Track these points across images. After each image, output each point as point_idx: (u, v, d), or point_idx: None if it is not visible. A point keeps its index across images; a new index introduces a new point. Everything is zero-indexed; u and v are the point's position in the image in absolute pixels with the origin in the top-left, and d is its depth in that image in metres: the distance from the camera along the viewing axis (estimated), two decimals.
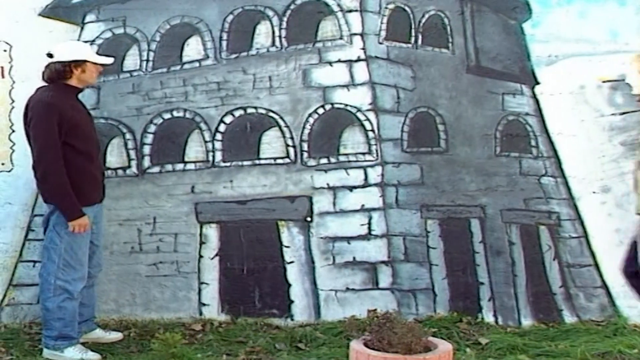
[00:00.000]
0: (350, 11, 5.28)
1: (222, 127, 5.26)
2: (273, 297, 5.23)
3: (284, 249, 5.24)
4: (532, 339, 4.91)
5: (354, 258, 5.19)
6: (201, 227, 5.23)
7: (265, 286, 5.23)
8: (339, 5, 5.28)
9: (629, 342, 4.72)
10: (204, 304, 5.21)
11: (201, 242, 5.23)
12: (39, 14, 5.12)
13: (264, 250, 5.24)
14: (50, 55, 4.51)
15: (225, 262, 5.23)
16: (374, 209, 5.16)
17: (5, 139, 5.07)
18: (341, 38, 5.29)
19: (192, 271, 5.21)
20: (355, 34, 5.28)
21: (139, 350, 4.71)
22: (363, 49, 5.28)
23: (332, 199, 5.25)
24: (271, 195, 5.25)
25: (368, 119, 5.26)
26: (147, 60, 5.23)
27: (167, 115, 5.24)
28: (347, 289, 5.21)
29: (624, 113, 5.35)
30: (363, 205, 5.23)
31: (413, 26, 5.36)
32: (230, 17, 5.27)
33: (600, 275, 5.34)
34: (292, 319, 5.20)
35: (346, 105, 5.22)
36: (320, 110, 5.28)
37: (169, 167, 5.25)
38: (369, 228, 5.23)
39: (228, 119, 5.26)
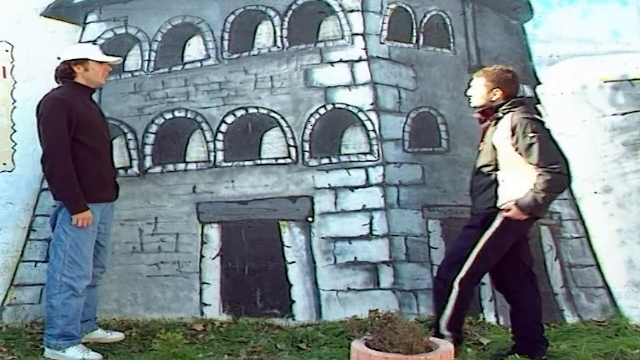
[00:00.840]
0: (351, 11, 5.28)
1: (223, 127, 5.26)
2: (274, 297, 5.23)
3: (286, 249, 5.25)
4: None
5: (355, 258, 5.19)
6: (202, 227, 5.23)
7: (267, 286, 5.23)
8: (340, 5, 5.28)
9: (630, 343, 4.72)
10: (206, 304, 5.21)
11: (202, 242, 5.23)
12: (41, 14, 5.13)
13: (265, 250, 5.24)
14: (59, 58, 4.61)
15: (227, 262, 5.23)
16: (375, 209, 5.16)
17: (7, 139, 5.08)
18: (343, 38, 5.29)
19: (194, 271, 5.22)
20: (357, 34, 5.28)
21: (141, 350, 4.71)
22: (364, 49, 5.28)
23: (333, 199, 5.25)
24: (272, 195, 5.25)
25: (369, 119, 5.26)
26: (149, 60, 5.24)
27: (168, 115, 5.25)
28: (349, 289, 5.21)
29: (625, 113, 5.35)
30: (364, 205, 5.23)
31: (414, 26, 5.36)
32: (232, 17, 5.28)
33: (602, 276, 5.33)
34: (294, 319, 5.20)
35: (348, 105, 5.22)
36: (322, 111, 5.28)
37: (170, 167, 5.25)
38: (371, 228, 5.23)
39: (229, 119, 5.26)
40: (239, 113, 5.27)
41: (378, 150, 5.25)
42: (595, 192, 5.34)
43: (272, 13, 5.28)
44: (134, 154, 5.23)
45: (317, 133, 5.27)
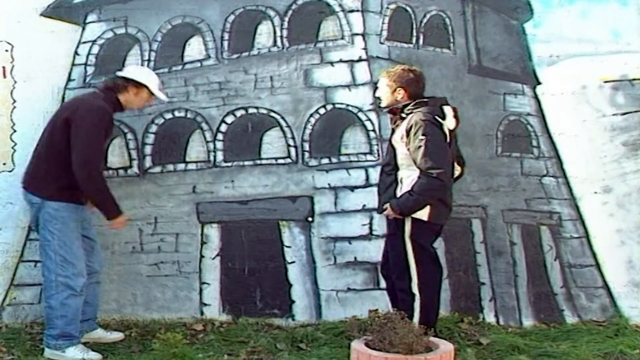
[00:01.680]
0: (351, 11, 5.28)
1: (223, 127, 5.26)
2: (274, 297, 5.23)
3: (285, 249, 5.25)
4: (533, 339, 4.91)
5: (355, 258, 5.19)
6: (202, 227, 5.23)
7: (267, 286, 5.23)
8: (340, 5, 5.28)
9: (630, 343, 4.72)
10: (205, 304, 5.21)
11: (202, 242, 5.23)
12: (41, 14, 5.12)
13: (265, 250, 5.24)
14: (118, 70, 4.73)
15: (227, 262, 5.23)
16: (375, 209, 5.15)
17: (6, 139, 5.08)
18: (342, 38, 5.29)
19: (194, 271, 5.22)
20: (357, 34, 5.28)
21: (140, 350, 4.71)
22: (364, 49, 5.28)
23: (333, 199, 5.25)
24: (272, 195, 5.25)
25: (369, 119, 5.26)
26: (149, 60, 5.23)
27: (168, 115, 5.24)
28: (348, 289, 5.21)
29: (625, 113, 5.35)
30: (364, 206, 5.23)
31: (414, 26, 5.36)
32: (232, 17, 5.28)
33: (602, 276, 5.34)
34: (293, 319, 5.20)
35: (347, 105, 5.22)
36: (322, 111, 5.28)
37: (170, 167, 5.25)
38: (370, 228, 5.23)
39: (229, 119, 5.26)
40: (239, 113, 5.27)
41: (378, 150, 5.25)
42: (595, 192, 5.35)
43: (272, 13, 5.28)
44: (133, 154, 5.22)
45: (317, 133, 5.27)
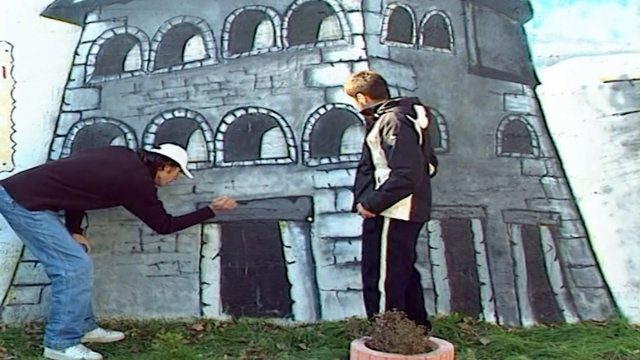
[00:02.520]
0: (351, 11, 5.28)
1: (223, 127, 5.26)
2: (274, 297, 5.23)
3: (285, 249, 5.24)
4: (533, 339, 4.91)
5: (355, 258, 5.18)
6: (202, 227, 5.22)
7: (267, 286, 5.23)
8: (340, 5, 5.27)
9: (630, 343, 4.72)
10: (205, 304, 5.21)
11: (202, 242, 5.23)
12: (41, 14, 5.12)
13: (265, 250, 5.24)
14: (158, 147, 4.94)
15: (227, 262, 5.23)
16: None
17: (6, 139, 5.08)
18: (342, 38, 5.29)
19: (194, 271, 5.22)
20: (357, 34, 5.28)
21: (140, 350, 4.71)
22: (364, 49, 5.27)
23: (333, 199, 5.25)
24: (272, 195, 5.25)
25: None
26: (149, 60, 5.23)
27: (168, 115, 5.24)
28: (348, 289, 5.21)
29: (625, 113, 5.35)
30: None
31: (414, 26, 5.36)
32: (232, 17, 5.28)
33: (602, 276, 5.34)
34: (293, 319, 5.20)
35: (347, 105, 5.21)
36: (322, 111, 5.28)
37: None
38: None
39: (229, 119, 5.26)
40: (238, 113, 5.27)
41: None
42: (595, 192, 5.35)
43: (272, 13, 5.28)
44: None
45: (317, 133, 5.27)
